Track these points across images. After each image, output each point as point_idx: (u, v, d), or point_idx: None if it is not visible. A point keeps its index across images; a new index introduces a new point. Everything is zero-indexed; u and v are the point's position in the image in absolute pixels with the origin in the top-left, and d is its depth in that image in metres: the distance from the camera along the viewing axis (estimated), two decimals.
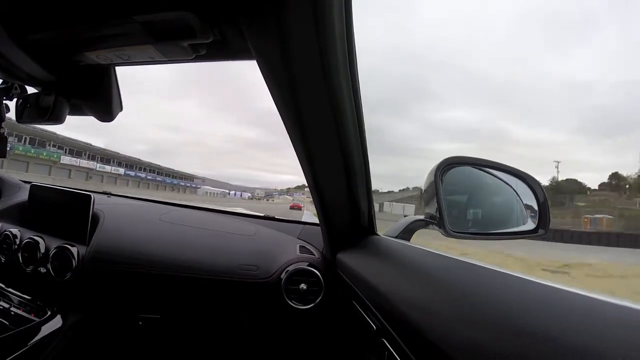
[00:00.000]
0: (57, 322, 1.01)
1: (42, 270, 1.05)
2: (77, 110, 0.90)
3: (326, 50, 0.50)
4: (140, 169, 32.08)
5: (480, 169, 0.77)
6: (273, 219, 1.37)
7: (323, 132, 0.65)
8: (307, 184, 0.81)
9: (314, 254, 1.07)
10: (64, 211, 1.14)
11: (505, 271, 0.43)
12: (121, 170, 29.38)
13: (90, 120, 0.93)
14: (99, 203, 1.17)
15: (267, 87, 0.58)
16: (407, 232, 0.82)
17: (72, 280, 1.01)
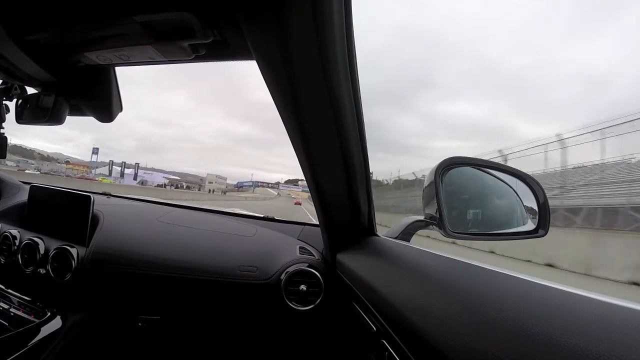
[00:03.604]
0: (56, 323, 1.01)
1: (42, 271, 1.05)
2: (76, 111, 0.90)
3: (326, 49, 0.50)
4: None
5: (480, 170, 0.77)
6: (273, 219, 1.37)
7: (323, 132, 0.65)
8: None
9: (313, 255, 1.07)
10: (64, 212, 1.14)
11: (505, 272, 0.42)
12: None
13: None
14: (99, 204, 1.17)
15: (266, 87, 0.58)
16: (406, 233, 0.82)
17: (72, 281, 1.01)
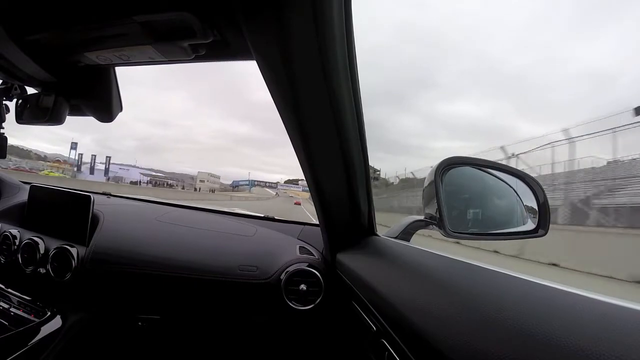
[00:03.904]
0: (56, 323, 1.01)
1: (42, 270, 1.05)
2: (76, 111, 0.90)
3: (326, 49, 0.50)
4: None
5: (480, 169, 0.77)
6: (273, 219, 1.37)
7: (323, 132, 0.65)
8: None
9: (313, 255, 1.07)
10: (64, 212, 1.14)
11: (506, 272, 0.42)
12: None
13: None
14: (99, 204, 1.17)
15: (266, 87, 0.58)
16: (406, 233, 0.82)
17: (72, 280, 1.01)
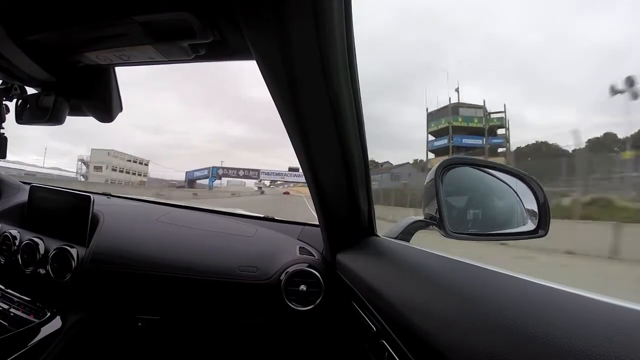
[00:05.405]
0: (56, 324, 1.01)
1: (42, 271, 1.05)
2: (76, 111, 0.90)
3: (326, 49, 0.50)
4: None
5: (480, 170, 0.77)
6: (273, 219, 1.36)
7: (323, 132, 0.65)
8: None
9: (313, 255, 1.06)
10: (64, 212, 1.14)
11: (506, 272, 0.42)
12: None
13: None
14: (99, 204, 1.17)
15: (266, 87, 0.58)
16: (406, 233, 0.82)
17: (72, 281, 1.01)
